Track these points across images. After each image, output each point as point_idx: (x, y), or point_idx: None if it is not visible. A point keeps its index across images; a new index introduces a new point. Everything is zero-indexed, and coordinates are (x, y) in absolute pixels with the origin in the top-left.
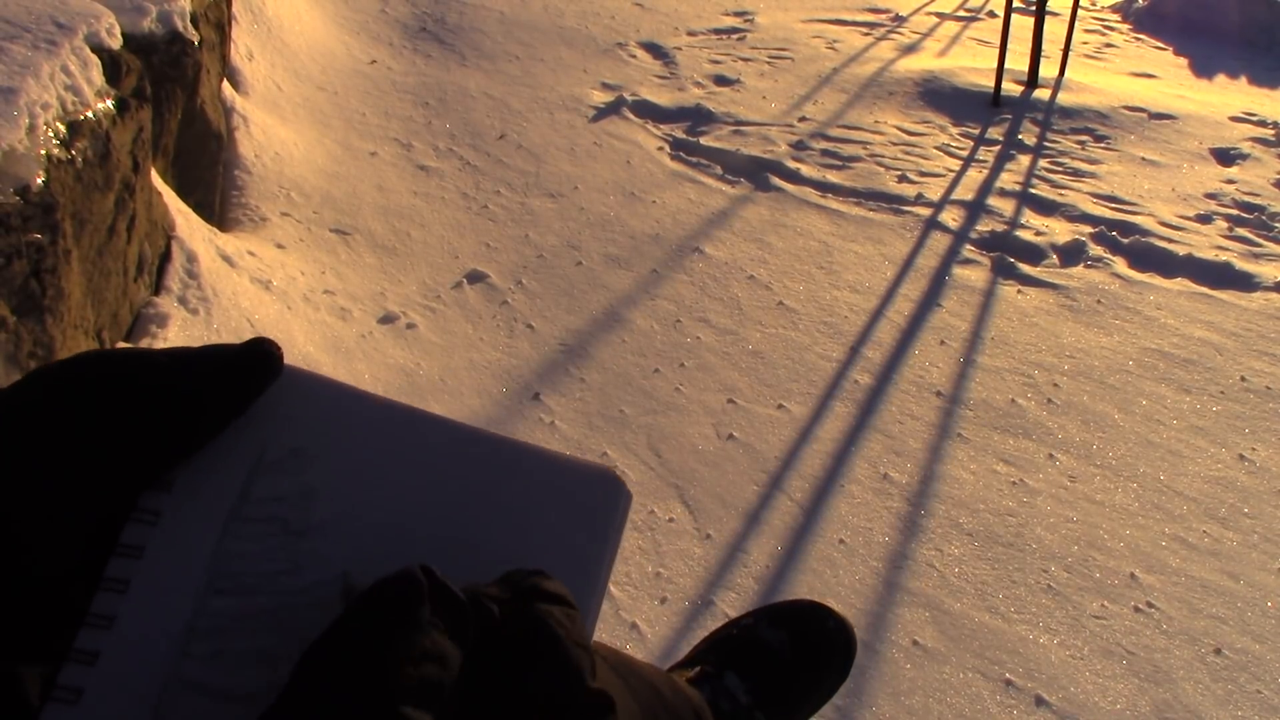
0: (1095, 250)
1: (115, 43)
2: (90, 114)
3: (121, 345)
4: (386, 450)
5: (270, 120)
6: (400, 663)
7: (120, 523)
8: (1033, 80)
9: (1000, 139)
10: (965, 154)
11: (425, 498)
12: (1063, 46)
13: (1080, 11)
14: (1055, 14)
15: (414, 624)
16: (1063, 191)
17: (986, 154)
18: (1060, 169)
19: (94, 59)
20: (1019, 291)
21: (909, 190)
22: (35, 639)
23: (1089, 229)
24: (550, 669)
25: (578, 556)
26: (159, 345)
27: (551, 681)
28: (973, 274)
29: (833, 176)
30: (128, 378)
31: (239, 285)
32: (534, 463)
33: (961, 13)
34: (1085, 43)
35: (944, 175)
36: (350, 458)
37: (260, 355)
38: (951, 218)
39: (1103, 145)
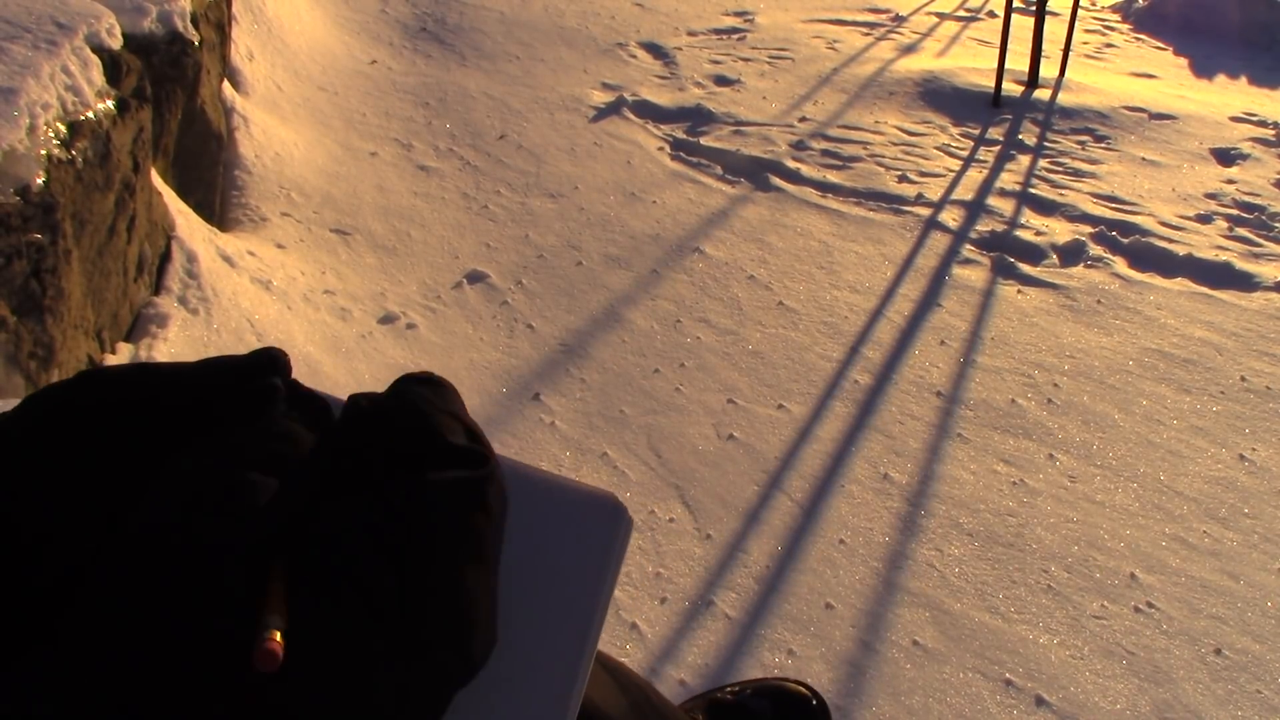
0: (1095, 250)
1: (115, 43)
2: (90, 114)
3: (116, 362)
4: None
5: (270, 120)
6: (246, 441)
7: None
8: (1033, 80)
9: (1000, 139)
10: (965, 154)
11: None
12: (1063, 46)
13: (1080, 11)
14: (1055, 14)
15: (264, 415)
16: (1063, 191)
17: (987, 154)
18: (1060, 169)
19: (94, 59)
20: (1019, 291)
21: (909, 190)
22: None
23: (1089, 229)
24: (411, 431)
25: (579, 578)
26: (159, 345)
27: (414, 441)
28: (973, 274)
29: (833, 176)
30: (131, 389)
31: (239, 285)
32: (540, 486)
33: (961, 13)
34: (1085, 43)
35: (944, 175)
36: None
37: (266, 360)
38: (951, 218)
39: (1103, 145)
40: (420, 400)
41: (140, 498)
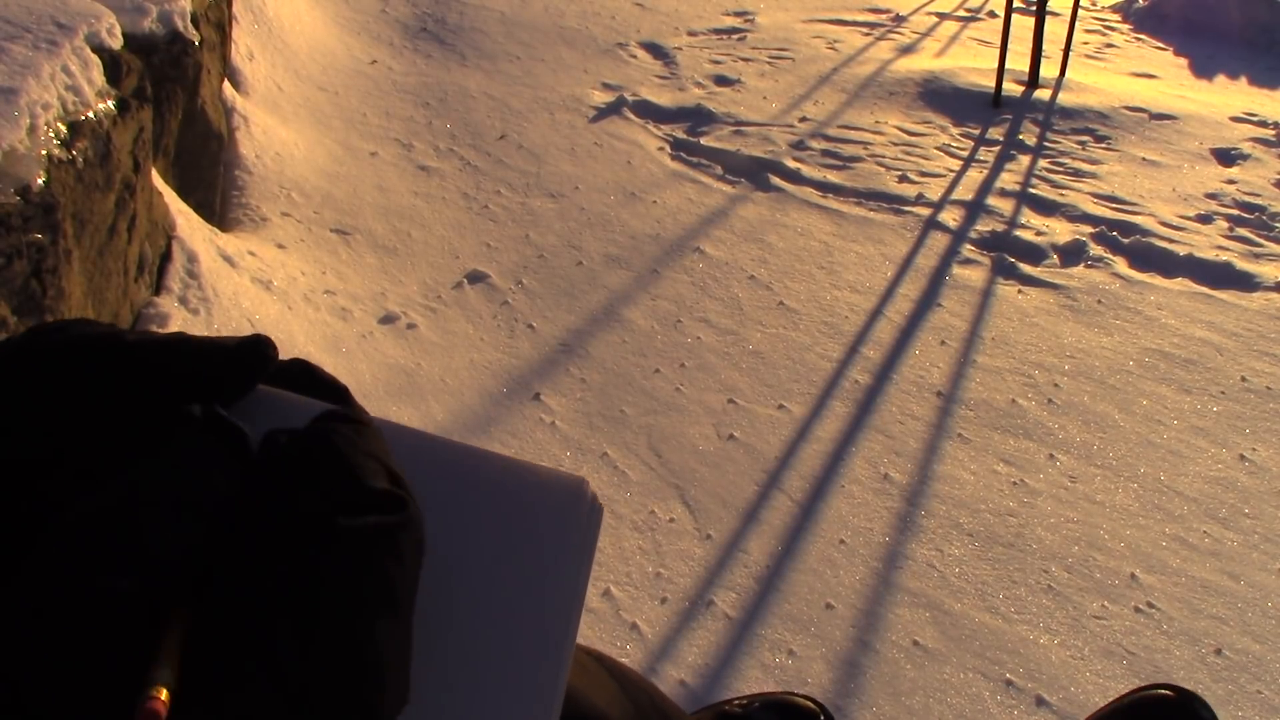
0: (1096, 250)
1: (116, 43)
2: (91, 114)
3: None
4: None
5: (271, 120)
6: (156, 479)
7: None
8: (1033, 80)
9: (1001, 139)
10: (966, 154)
11: None
12: (1063, 46)
13: (1081, 11)
14: (1056, 14)
15: (177, 450)
16: (1063, 191)
17: (987, 154)
18: (1061, 169)
19: (94, 59)
20: (1019, 291)
21: (909, 190)
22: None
23: (1089, 229)
24: (328, 473)
25: (553, 567)
26: None
27: (329, 484)
28: (973, 274)
29: (833, 176)
30: (129, 352)
31: (240, 285)
32: (507, 473)
33: (961, 13)
34: (1086, 43)
35: (944, 175)
36: None
37: (256, 349)
38: (952, 218)
39: (1103, 145)
40: (341, 441)
41: (38, 539)
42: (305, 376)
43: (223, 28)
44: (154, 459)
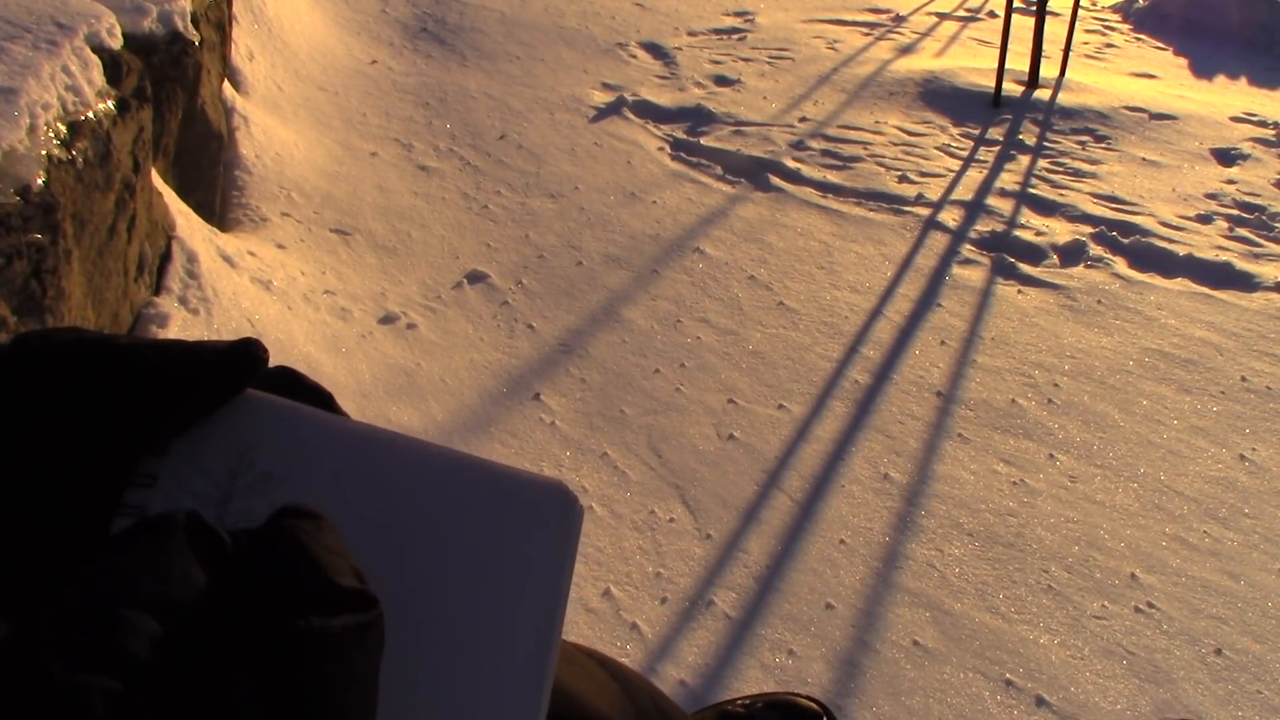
0: (1096, 250)
1: (116, 43)
2: (91, 114)
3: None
4: (347, 472)
5: (271, 120)
6: (134, 577)
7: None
8: (1033, 80)
9: (1000, 139)
10: (965, 154)
11: (385, 517)
12: (1063, 47)
13: (1081, 11)
14: (1056, 14)
15: (157, 550)
16: (1063, 191)
17: (987, 154)
18: (1060, 169)
19: (94, 59)
20: (1019, 291)
21: (909, 190)
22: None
23: (1089, 229)
24: (296, 572)
25: (534, 573)
26: None
27: (300, 584)
28: (973, 274)
29: (833, 177)
30: (118, 355)
31: (239, 285)
32: (487, 478)
33: (961, 13)
34: (1086, 43)
35: (944, 175)
36: (314, 480)
37: (247, 352)
38: (952, 218)
39: (1103, 145)
40: (306, 538)
41: (9, 635)
42: (290, 383)
43: (223, 28)
44: (132, 558)
